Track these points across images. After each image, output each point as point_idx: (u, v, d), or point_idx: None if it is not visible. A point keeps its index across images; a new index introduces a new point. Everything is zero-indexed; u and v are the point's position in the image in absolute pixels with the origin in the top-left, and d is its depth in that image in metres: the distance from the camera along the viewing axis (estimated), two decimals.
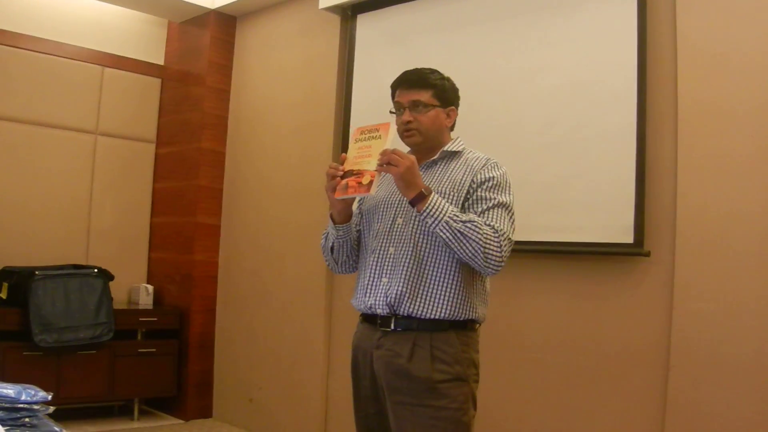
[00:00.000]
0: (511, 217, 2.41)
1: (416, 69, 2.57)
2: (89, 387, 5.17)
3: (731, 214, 3.14)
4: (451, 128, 2.62)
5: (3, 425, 1.69)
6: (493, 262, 2.30)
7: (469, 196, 2.42)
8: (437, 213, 2.28)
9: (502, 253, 2.32)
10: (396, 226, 2.47)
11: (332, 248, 2.60)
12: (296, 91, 5.34)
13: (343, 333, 4.78)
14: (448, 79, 2.59)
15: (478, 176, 2.43)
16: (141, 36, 6.14)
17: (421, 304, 2.38)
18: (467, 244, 2.28)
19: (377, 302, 2.44)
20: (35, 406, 1.80)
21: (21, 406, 1.77)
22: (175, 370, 5.60)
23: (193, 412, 5.63)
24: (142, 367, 5.42)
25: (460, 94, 2.63)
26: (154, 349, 5.51)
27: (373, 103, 4.66)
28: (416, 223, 2.43)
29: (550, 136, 3.78)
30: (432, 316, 2.37)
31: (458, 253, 2.32)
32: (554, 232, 3.71)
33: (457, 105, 2.60)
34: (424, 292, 2.39)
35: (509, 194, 2.44)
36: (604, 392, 3.53)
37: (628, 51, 3.51)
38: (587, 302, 3.63)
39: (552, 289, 3.76)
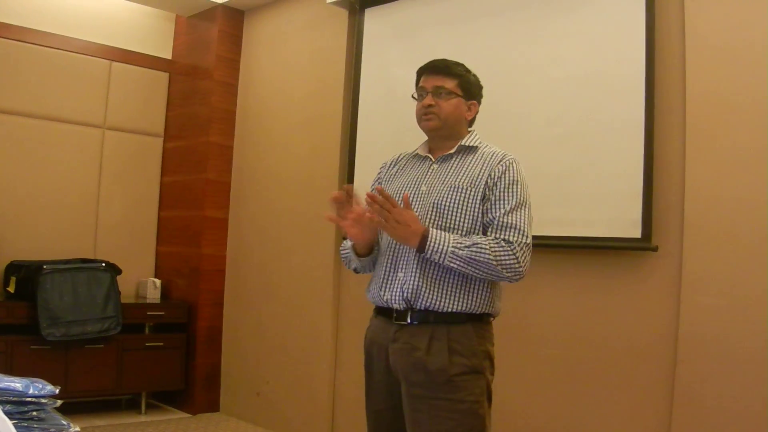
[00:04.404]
0: (529, 216, 2.43)
1: (444, 59, 2.61)
2: (97, 381, 5.18)
3: (739, 208, 3.12)
4: (470, 123, 2.64)
5: (11, 419, 1.69)
6: (512, 273, 2.35)
7: (486, 193, 2.43)
8: (440, 247, 2.32)
9: (520, 261, 2.35)
10: None
11: (356, 268, 2.66)
12: (304, 84, 5.34)
13: (351, 326, 4.78)
14: (474, 75, 2.63)
15: (495, 172, 2.44)
16: (149, 30, 6.14)
17: (438, 298, 2.39)
18: (480, 267, 2.33)
19: (393, 296, 2.45)
20: (43, 400, 1.79)
21: (29, 399, 1.77)
22: (182, 363, 5.62)
23: (200, 406, 5.65)
24: (150, 361, 5.44)
25: None
26: (161, 343, 5.53)
27: (381, 96, 4.67)
28: (430, 217, 2.44)
29: (557, 128, 3.77)
30: (449, 309, 2.39)
31: (477, 276, 2.37)
32: (561, 226, 3.70)
33: (479, 101, 2.64)
34: (441, 286, 2.39)
35: (525, 192, 2.46)
36: (612, 386, 3.52)
37: (637, 43, 3.49)
38: (594, 296, 3.63)
39: (559, 284, 3.76)
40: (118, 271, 5.40)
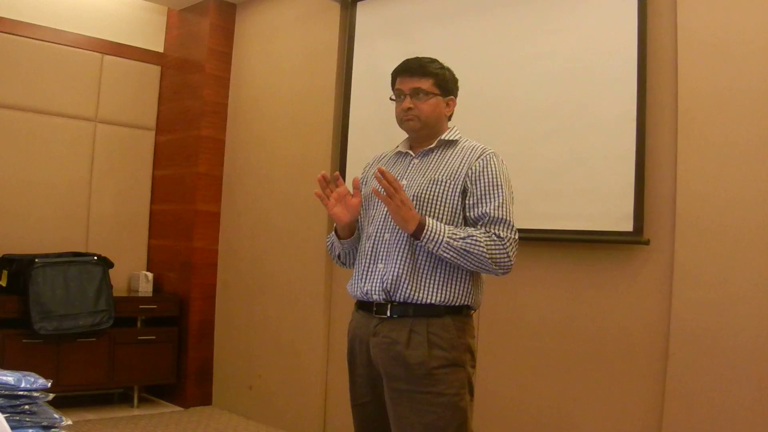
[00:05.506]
0: (512, 211, 2.46)
1: (417, 58, 2.60)
2: (89, 374, 5.18)
3: (731, 202, 3.13)
4: (449, 118, 2.65)
5: (3, 412, 1.69)
6: (503, 267, 2.38)
7: (467, 187, 2.45)
8: (436, 236, 2.33)
9: (510, 256, 2.39)
10: None
11: (339, 255, 2.68)
12: (296, 78, 5.33)
13: (342, 320, 4.78)
14: (449, 70, 2.62)
15: (476, 167, 2.46)
16: (140, 23, 6.12)
17: (418, 289, 2.39)
18: (473, 259, 2.34)
19: (373, 288, 2.46)
20: (35, 394, 1.79)
21: (21, 393, 1.77)
22: (174, 357, 5.61)
23: (192, 400, 5.65)
24: (142, 355, 5.43)
25: (461, 81, 2.66)
26: (153, 337, 5.52)
27: (372, 90, 4.66)
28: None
29: (549, 123, 3.78)
30: (428, 302, 2.39)
31: (467, 267, 2.39)
32: (553, 220, 3.71)
33: (456, 95, 2.64)
34: (420, 277, 2.40)
35: (508, 186, 2.48)
36: (603, 380, 3.53)
37: (629, 38, 3.50)
38: (586, 290, 3.64)
39: (551, 277, 3.77)
40: (110, 265, 5.39)
